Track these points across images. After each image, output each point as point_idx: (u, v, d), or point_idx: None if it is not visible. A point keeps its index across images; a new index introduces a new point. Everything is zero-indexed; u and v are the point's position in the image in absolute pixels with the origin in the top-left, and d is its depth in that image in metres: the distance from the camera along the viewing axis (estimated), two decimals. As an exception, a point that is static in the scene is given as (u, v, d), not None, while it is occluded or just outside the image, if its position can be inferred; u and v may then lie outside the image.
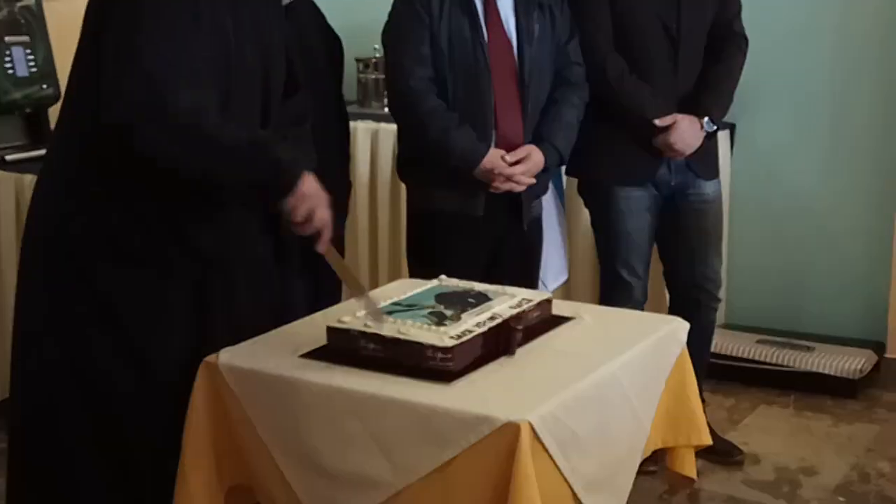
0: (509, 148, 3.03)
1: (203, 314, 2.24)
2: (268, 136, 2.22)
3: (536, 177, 3.07)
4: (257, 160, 2.12)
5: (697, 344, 2.76)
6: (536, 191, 3.16)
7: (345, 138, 3.13)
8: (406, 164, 3.22)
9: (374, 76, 4.52)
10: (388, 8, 3.08)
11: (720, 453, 3.35)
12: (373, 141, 4.27)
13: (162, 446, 2.19)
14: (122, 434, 2.20)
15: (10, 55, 3.60)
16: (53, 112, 3.89)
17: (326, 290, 2.95)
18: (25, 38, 3.65)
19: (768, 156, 4.20)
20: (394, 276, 4.05)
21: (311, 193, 2.15)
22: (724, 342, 3.99)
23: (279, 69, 2.35)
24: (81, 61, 2.22)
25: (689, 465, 2.38)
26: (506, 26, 3.04)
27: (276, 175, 2.13)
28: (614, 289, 3.34)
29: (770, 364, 3.98)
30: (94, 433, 2.20)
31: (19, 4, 3.66)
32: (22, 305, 2.26)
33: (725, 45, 3.30)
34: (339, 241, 3.11)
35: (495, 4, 3.03)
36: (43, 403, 2.22)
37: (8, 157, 3.62)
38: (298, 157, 2.21)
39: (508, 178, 3.01)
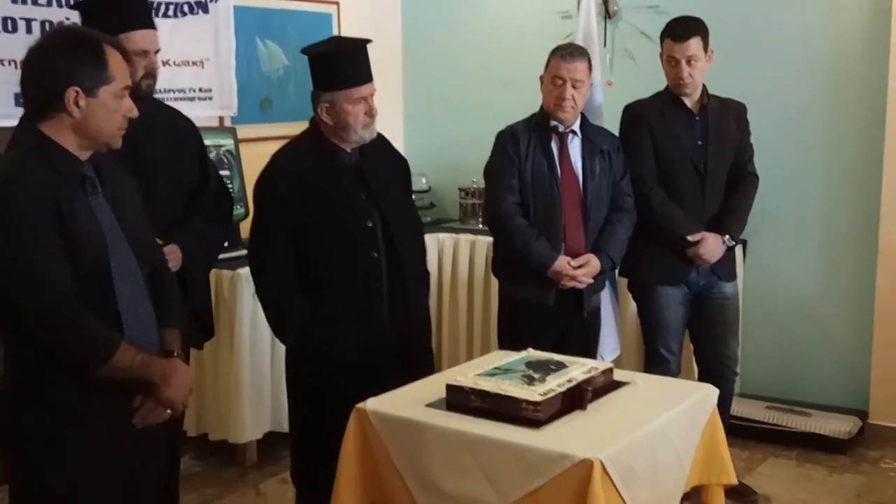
0: (574, 256, 3.06)
1: None
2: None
3: (594, 278, 3.09)
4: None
5: (720, 408, 2.66)
6: (594, 287, 3.16)
7: (420, 236, 2.78)
8: (498, 265, 3.25)
9: (471, 201, 4.53)
10: (482, 153, 3.16)
11: (739, 494, 3.26)
12: (471, 249, 4.32)
13: None
14: None
15: (215, 185, 3.72)
16: (245, 224, 3.78)
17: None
18: (227, 172, 3.73)
19: (772, 263, 4.14)
20: (485, 349, 4.03)
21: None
22: (739, 408, 3.89)
23: None
24: None
25: (719, 501, 2.33)
26: (574, 166, 3.09)
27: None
28: (655, 363, 3.29)
29: (777, 425, 3.88)
30: None
31: (223, 149, 3.79)
32: None
33: (741, 181, 3.29)
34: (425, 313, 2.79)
35: (567, 150, 3.09)
36: None
37: (211, 258, 3.65)
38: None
39: (573, 278, 3.04)
